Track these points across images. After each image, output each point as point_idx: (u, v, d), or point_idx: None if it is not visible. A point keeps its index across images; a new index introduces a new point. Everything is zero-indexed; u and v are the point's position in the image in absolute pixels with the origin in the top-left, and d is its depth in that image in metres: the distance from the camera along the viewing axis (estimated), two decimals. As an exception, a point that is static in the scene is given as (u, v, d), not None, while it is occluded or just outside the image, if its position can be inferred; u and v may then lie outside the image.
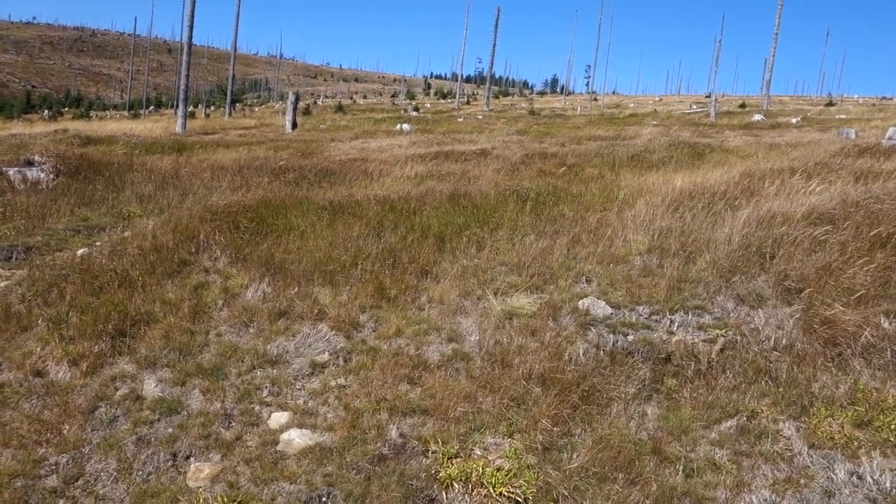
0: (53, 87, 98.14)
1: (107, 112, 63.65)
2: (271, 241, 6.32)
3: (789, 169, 8.34)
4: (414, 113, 42.49)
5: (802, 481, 3.69)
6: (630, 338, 4.77)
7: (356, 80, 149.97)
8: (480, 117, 35.91)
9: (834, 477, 3.69)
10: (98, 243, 6.97)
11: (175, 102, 37.66)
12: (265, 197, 7.58)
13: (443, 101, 73.00)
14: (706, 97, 53.89)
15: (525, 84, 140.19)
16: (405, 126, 23.95)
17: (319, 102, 69.42)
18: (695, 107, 44.55)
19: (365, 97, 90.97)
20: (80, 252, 6.66)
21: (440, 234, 6.35)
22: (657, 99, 66.14)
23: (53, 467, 3.95)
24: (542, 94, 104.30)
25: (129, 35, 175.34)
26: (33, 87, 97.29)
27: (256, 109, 58.06)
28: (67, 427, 4.23)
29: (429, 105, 55.52)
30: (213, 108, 58.30)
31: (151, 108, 64.06)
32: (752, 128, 22.96)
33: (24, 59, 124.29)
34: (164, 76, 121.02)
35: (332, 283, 5.55)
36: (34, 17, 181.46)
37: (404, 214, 6.90)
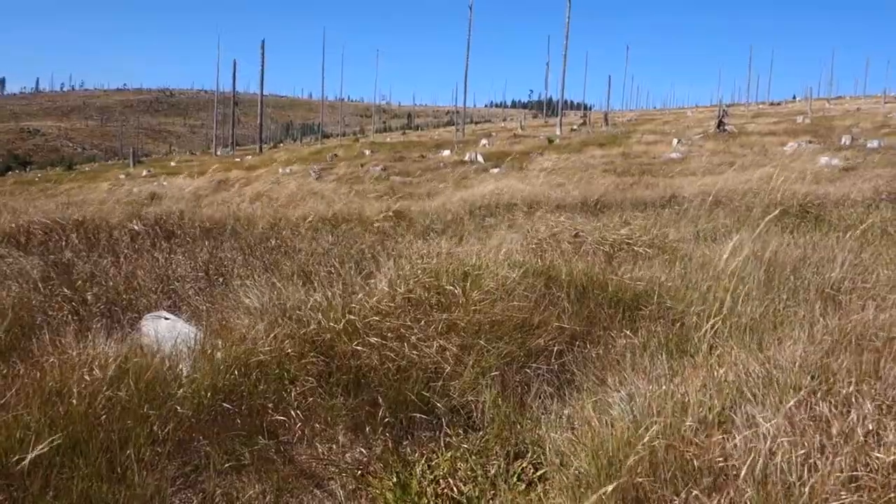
0: (107, 148, 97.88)
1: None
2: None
3: None
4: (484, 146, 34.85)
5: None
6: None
7: (409, 115, 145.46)
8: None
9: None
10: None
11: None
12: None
13: (488, 125, 64.93)
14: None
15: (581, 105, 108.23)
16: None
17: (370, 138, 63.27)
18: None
19: (408, 130, 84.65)
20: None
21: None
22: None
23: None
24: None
25: (201, 91, 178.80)
26: (84, 149, 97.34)
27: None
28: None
29: (494, 134, 48.03)
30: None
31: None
32: None
33: (95, 124, 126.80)
34: (225, 127, 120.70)
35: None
36: (124, 84, 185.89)
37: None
